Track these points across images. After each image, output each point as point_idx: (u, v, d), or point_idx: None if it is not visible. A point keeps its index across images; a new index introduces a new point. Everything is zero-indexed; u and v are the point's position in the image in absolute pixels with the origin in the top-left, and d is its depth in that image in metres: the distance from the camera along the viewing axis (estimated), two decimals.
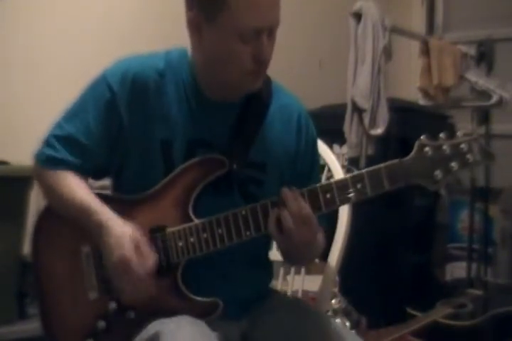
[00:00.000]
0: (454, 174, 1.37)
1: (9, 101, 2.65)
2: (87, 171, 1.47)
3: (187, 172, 1.43)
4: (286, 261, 1.64)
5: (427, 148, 1.37)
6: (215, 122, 1.46)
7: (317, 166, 1.63)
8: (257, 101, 1.49)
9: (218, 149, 1.45)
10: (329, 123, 1.61)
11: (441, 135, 1.38)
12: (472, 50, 3.32)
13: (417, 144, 1.38)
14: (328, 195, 1.38)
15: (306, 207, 1.36)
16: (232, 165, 1.43)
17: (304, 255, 1.49)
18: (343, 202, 1.40)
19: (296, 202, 1.36)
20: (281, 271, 1.85)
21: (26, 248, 2.28)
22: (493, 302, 3.03)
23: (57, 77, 2.74)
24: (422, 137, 1.38)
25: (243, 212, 1.39)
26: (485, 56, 3.28)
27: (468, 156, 1.36)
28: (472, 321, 2.83)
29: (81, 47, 2.81)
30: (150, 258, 1.35)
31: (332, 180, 1.41)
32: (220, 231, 1.39)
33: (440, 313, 2.81)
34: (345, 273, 1.91)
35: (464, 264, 3.42)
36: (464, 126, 3.38)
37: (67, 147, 1.44)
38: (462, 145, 1.36)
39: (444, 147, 1.37)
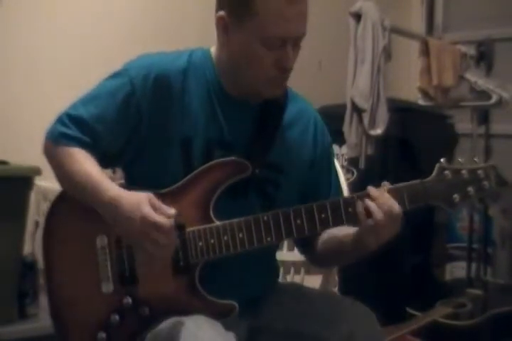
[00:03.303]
0: (470, 198, 1.42)
1: (9, 102, 2.66)
2: (96, 155, 1.44)
3: (210, 172, 1.43)
4: (329, 262, 1.65)
5: (446, 171, 1.42)
6: (236, 122, 1.47)
7: (335, 174, 1.63)
8: (274, 104, 1.50)
9: (237, 150, 1.45)
10: (329, 124, 1.61)
11: (460, 159, 1.43)
12: (472, 50, 3.31)
13: (437, 167, 1.43)
14: (350, 209, 1.41)
15: (396, 206, 1.38)
16: (255, 170, 1.44)
17: (365, 252, 1.48)
18: None
19: (384, 199, 1.38)
20: (281, 271, 1.85)
21: (26, 248, 2.28)
22: (493, 302, 3.02)
23: (57, 77, 2.74)
24: (442, 160, 1.43)
25: (265, 218, 1.40)
26: (485, 56, 3.27)
27: (485, 183, 1.42)
28: (472, 321, 2.83)
29: (81, 48, 2.82)
30: (169, 209, 1.33)
31: (354, 195, 1.42)
32: (240, 235, 1.39)
33: (440, 313, 2.82)
34: (345, 273, 1.92)
35: (463, 264, 3.41)
36: (464, 126, 3.39)
37: (79, 127, 1.43)
38: (479, 172, 1.42)
39: (463, 171, 1.42)
